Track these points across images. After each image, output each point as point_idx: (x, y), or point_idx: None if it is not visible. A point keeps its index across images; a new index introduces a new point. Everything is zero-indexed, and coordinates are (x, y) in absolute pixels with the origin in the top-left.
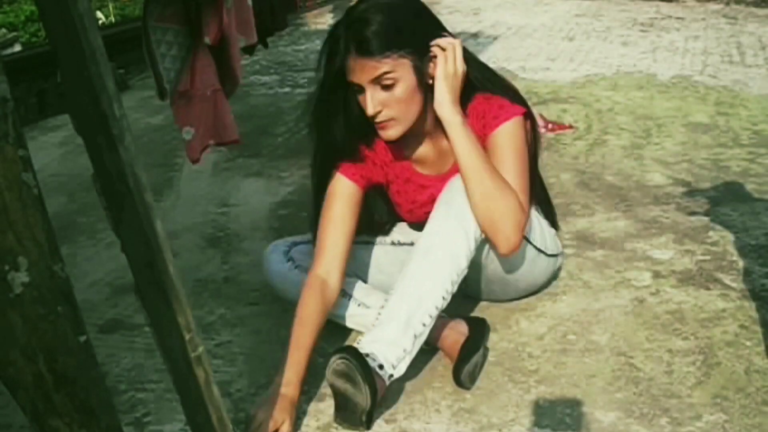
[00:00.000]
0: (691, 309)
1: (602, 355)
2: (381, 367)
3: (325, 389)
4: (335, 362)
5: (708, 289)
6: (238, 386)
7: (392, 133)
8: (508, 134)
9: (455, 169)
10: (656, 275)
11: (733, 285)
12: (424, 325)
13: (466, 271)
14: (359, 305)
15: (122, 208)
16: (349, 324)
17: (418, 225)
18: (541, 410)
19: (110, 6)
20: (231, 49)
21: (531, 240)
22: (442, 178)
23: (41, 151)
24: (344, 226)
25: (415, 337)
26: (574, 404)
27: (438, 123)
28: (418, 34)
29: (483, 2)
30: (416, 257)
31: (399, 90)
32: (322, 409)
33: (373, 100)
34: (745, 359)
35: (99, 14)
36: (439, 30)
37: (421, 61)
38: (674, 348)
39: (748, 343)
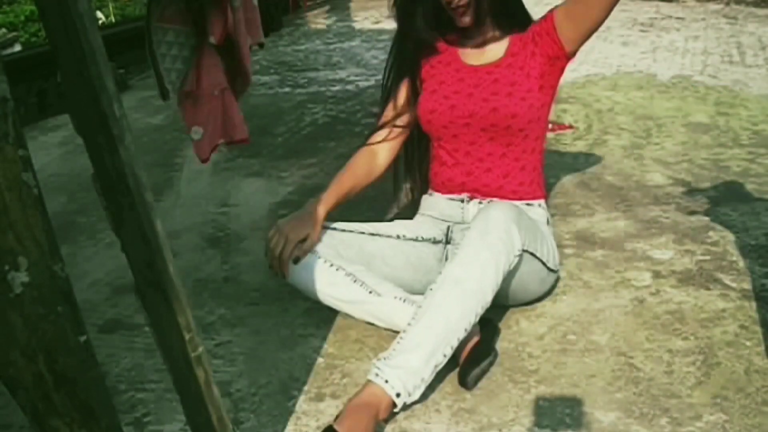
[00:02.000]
0: (691, 309)
1: (602, 355)
2: (398, 395)
3: (325, 389)
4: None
5: (708, 289)
6: (238, 386)
7: (468, 18)
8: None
9: (493, 66)
10: (656, 275)
11: (733, 285)
12: (444, 356)
13: (490, 303)
14: (371, 293)
15: (122, 208)
16: (358, 312)
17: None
18: (541, 410)
19: (110, 6)
20: (241, 48)
21: (545, 262)
22: (475, 69)
23: (41, 151)
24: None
25: (435, 366)
26: (574, 404)
27: (497, 22)
28: None
29: None
30: (445, 284)
31: None
32: (322, 409)
33: None
34: (745, 359)
35: (99, 14)
36: None
37: None
38: (674, 348)
39: (748, 343)
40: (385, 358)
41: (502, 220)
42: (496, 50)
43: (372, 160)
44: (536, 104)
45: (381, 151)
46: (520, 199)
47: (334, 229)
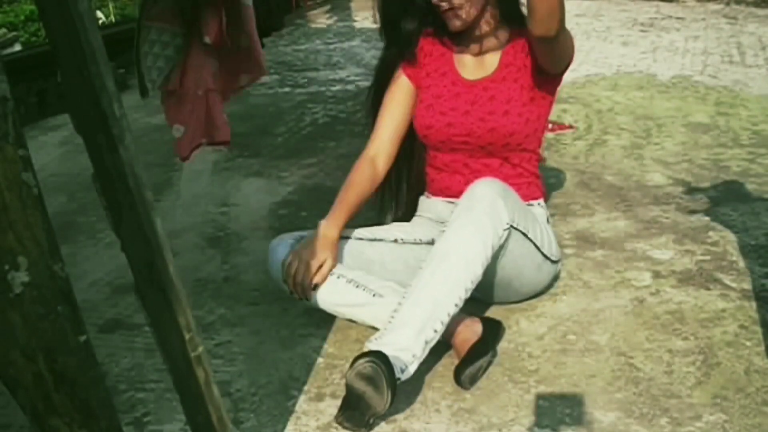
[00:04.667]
0: (691, 309)
1: (602, 355)
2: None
3: (325, 389)
4: (362, 365)
5: (708, 289)
6: (238, 386)
7: (458, 22)
8: None
9: (488, 80)
10: (656, 275)
11: (733, 285)
12: (435, 331)
13: (480, 278)
14: (374, 295)
15: (122, 208)
16: (362, 316)
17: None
18: (541, 410)
19: (110, 6)
20: (255, 43)
21: (539, 247)
22: (472, 85)
23: (41, 151)
24: (399, 115)
25: (426, 342)
26: (574, 404)
27: (495, 28)
28: None
29: None
30: (432, 261)
31: None
32: (322, 409)
33: None
34: (745, 359)
35: (99, 14)
36: None
37: None
38: (674, 348)
39: (748, 343)
40: (375, 339)
41: (488, 194)
42: (491, 60)
43: (373, 169)
44: (532, 117)
45: (380, 158)
46: None
47: None
